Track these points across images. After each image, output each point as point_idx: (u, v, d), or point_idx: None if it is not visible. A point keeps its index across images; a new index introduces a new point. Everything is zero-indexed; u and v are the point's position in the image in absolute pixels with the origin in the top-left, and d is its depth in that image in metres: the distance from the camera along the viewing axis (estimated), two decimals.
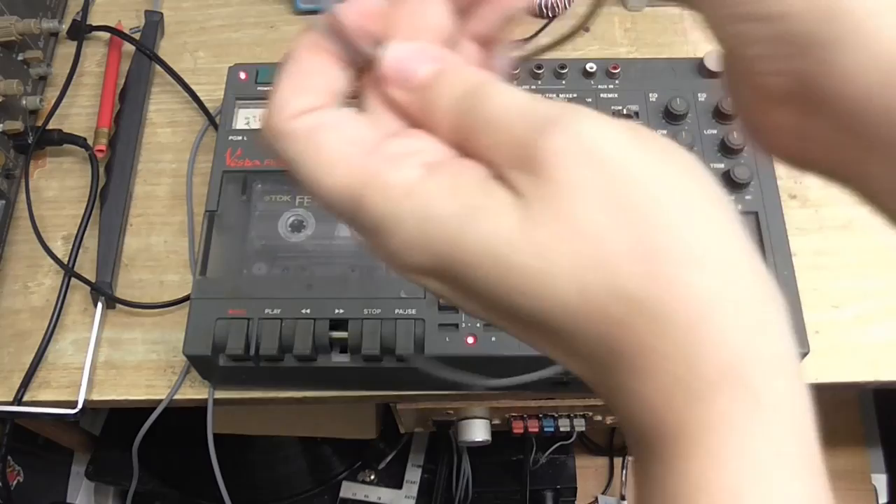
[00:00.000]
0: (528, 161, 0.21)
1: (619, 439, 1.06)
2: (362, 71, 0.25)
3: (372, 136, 0.23)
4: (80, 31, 0.69)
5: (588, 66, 0.60)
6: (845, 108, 0.23)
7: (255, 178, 0.57)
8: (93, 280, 0.59)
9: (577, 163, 0.21)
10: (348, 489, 0.94)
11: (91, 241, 0.61)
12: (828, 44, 0.22)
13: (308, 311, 0.51)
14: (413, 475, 0.94)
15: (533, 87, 0.59)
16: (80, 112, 0.68)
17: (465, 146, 0.23)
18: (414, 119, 0.24)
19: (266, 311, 0.51)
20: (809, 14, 0.22)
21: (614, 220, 0.21)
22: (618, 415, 0.22)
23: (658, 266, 0.20)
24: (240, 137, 0.58)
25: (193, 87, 0.67)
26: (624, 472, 1.04)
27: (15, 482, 0.87)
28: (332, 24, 0.24)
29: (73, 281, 0.59)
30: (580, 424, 0.72)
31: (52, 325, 0.57)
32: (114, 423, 0.95)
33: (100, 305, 0.58)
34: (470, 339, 0.50)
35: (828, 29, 0.22)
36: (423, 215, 0.22)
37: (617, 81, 0.60)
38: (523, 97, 0.23)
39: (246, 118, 0.60)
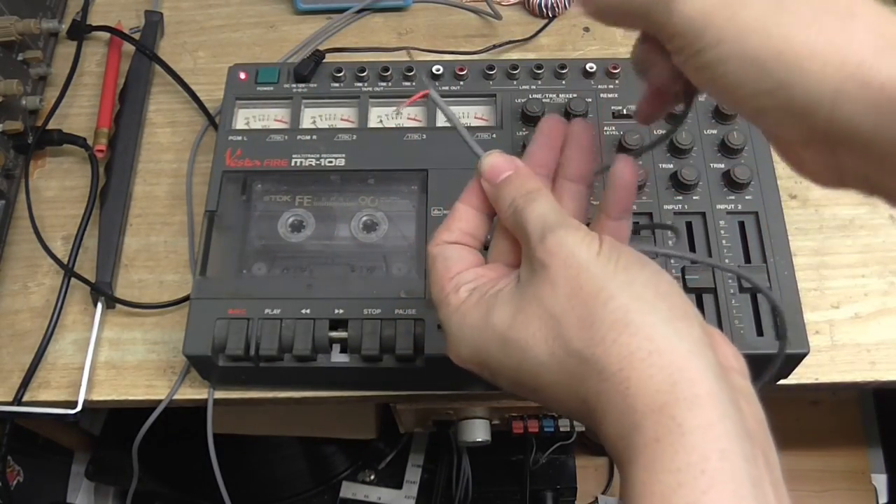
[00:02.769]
0: (532, 259, 0.32)
1: None
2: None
3: (457, 269, 0.35)
4: (80, 31, 0.69)
5: (588, 66, 0.60)
6: (858, 146, 0.28)
7: (255, 178, 0.57)
8: (93, 280, 0.59)
9: (557, 263, 0.31)
10: (348, 489, 0.94)
11: (91, 241, 0.61)
12: (825, 102, 0.27)
13: (308, 311, 0.51)
14: (413, 475, 0.94)
15: (533, 86, 0.60)
16: (80, 112, 0.68)
17: (511, 230, 0.35)
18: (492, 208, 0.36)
19: (266, 311, 0.51)
20: (803, 84, 0.27)
21: (570, 302, 0.30)
22: (604, 445, 0.30)
23: (594, 331, 0.29)
24: (240, 137, 0.58)
25: (193, 87, 0.67)
26: None
27: (15, 482, 0.87)
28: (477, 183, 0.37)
29: (73, 281, 0.59)
30: (580, 424, 0.72)
31: (51, 325, 0.57)
32: (114, 423, 0.95)
33: (100, 305, 0.58)
34: None
35: (821, 91, 0.27)
36: (462, 322, 0.34)
37: (617, 81, 0.60)
38: (542, 211, 0.33)
39: (246, 118, 0.60)
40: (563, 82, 0.60)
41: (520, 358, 0.31)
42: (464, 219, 0.37)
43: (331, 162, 0.57)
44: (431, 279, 0.36)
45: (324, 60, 0.62)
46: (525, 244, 0.33)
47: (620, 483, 0.28)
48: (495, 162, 0.36)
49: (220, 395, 0.56)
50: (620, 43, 0.70)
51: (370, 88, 0.60)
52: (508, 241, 0.36)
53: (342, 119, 0.60)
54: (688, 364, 0.28)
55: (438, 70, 0.60)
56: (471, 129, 0.58)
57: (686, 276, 0.52)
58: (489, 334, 0.32)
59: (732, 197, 0.54)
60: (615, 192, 0.36)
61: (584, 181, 0.38)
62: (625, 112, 0.58)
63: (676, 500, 0.25)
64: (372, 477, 0.95)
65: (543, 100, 0.59)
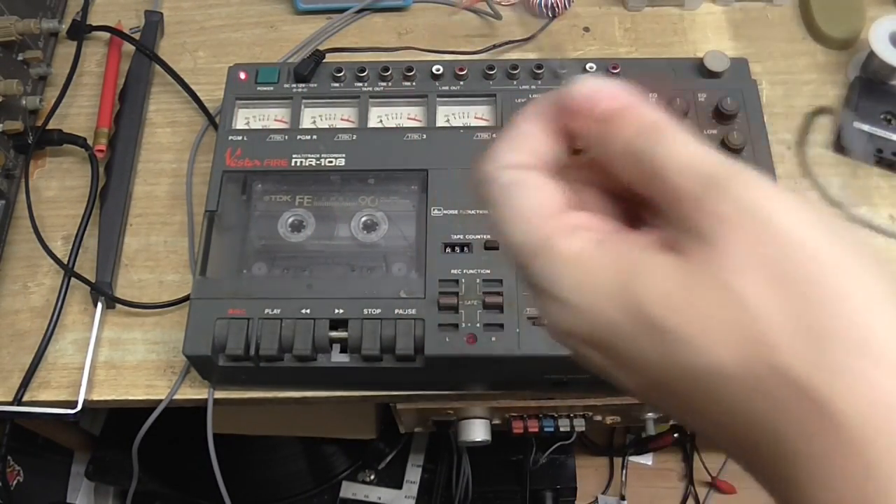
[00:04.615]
0: (693, 222, 0.22)
1: (619, 439, 1.06)
2: (574, 151, 0.26)
3: (558, 205, 0.24)
4: (80, 30, 0.69)
5: (588, 65, 0.60)
6: None
7: (255, 178, 0.57)
8: (93, 280, 0.59)
9: (743, 232, 0.21)
10: (348, 489, 0.94)
11: (91, 241, 0.61)
12: None
13: (308, 311, 0.51)
14: (413, 475, 0.94)
15: (533, 86, 0.60)
16: (80, 112, 0.68)
17: (633, 186, 0.24)
18: (591, 147, 0.25)
19: (266, 311, 0.51)
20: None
21: (779, 295, 0.20)
22: (773, 496, 0.21)
23: (824, 351, 0.19)
24: (240, 137, 0.58)
25: (193, 87, 0.67)
26: (624, 472, 1.04)
27: (15, 482, 0.87)
28: (559, 99, 0.26)
29: (73, 281, 0.59)
30: (580, 424, 0.72)
31: (51, 325, 0.57)
32: (114, 423, 0.95)
33: (100, 305, 0.58)
34: (469, 340, 0.50)
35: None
36: (583, 281, 0.23)
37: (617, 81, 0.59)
38: (692, 151, 0.23)
39: (246, 118, 0.60)
40: (563, 82, 0.60)
41: (675, 353, 0.21)
42: (536, 136, 0.26)
43: (331, 162, 0.57)
44: (505, 214, 0.25)
45: (324, 60, 0.62)
46: (672, 202, 0.23)
47: None
48: (596, 88, 0.25)
49: (220, 395, 0.56)
50: (620, 43, 0.70)
51: (370, 88, 0.60)
52: (601, 186, 0.26)
53: (342, 119, 0.60)
54: None
55: (438, 70, 0.60)
56: (471, 129, 0.58)
57: None
58: (632, 309, 0.22)
59: None
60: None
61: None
62: None
63: None
64: (372, 477, 0.95)
65: None
